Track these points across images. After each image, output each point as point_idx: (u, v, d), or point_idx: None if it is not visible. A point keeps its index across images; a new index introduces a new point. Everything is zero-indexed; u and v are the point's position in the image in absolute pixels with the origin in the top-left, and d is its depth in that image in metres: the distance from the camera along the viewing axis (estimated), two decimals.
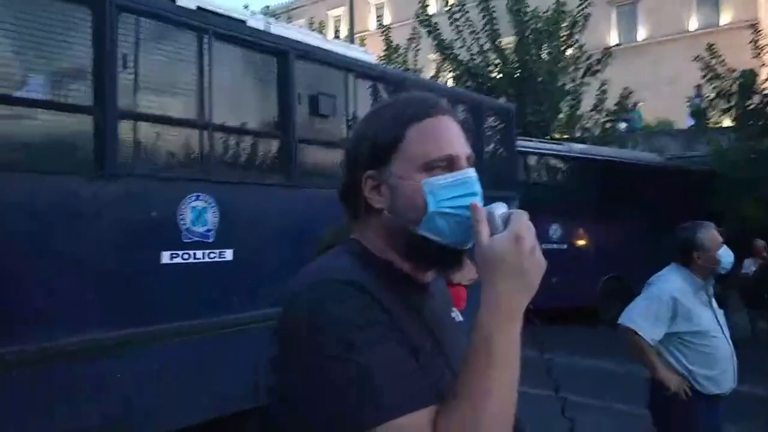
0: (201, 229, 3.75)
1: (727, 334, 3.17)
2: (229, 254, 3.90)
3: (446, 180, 1.05)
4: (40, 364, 3.08)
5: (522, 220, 0.98)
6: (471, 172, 1.08)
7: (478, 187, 1.07)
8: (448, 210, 1.04)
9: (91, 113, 3.44)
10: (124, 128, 3.61)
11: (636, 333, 3.08)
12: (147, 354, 3.50)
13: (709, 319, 3.12)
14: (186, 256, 3.67)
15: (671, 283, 3.17)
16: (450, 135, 1.10)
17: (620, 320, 3.17)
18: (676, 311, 3.07)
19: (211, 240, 3.81)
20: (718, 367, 3.05)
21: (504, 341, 0.93)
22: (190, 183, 3.80)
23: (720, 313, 3.23)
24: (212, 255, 3.81)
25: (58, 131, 3.48)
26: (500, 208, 1.01)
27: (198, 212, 3.75)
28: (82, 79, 3.44)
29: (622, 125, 15.16)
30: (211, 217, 3.82)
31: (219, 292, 3.89)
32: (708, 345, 3.05)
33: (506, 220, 0.99)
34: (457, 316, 1.25)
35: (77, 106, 3.45)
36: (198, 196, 3.77)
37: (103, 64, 3.42)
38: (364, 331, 0.93)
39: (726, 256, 3.17)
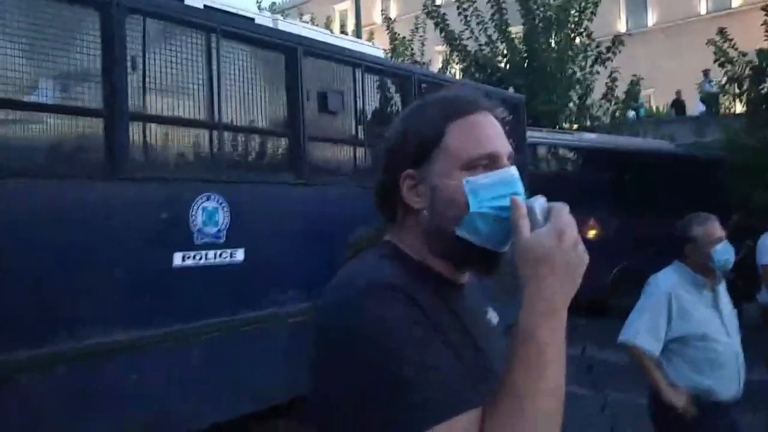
0: (212, 230, 3.76)
1: (735, 338, 2.96)
2: (240, 254, 3.90)
3: (488, 179, 1.03)
4: (54, 365, 3.10)
5: (563, 214, 0.96)
6: (513, 171, 1.05)
7: (520, 186, 1.04)
8: (488, 210, 1.02)
9: (101, 116, 3.45)
10: (135, 130, 3.62)
11: (637, 347, 2.93)
12: (162, 355, 3.52)
13: (710, 321, 2.92)
14: (198, 257, 3.68)
15: (666, 280, 3.01)
16: (492, 132, 1.08)
17: (621, 337, 3.01)
18: (671, 310, 2.90)
19: (222, 240, 3.81)
20: (720, 374, 2.87)
21: (548, 338, 0.91)
22: (201, 183, 3.80)
23: (729, 314, 3.00)
24: (224, 255, 3.81)
25: (68, 135, 3.49)
26: (540, 202, 0.99)
27: (209, 213, 3.75)
28: (91, 82, 3.44)
29: (631, 113, 15.02)
30: (222, 217, 3.82)
31: (230, 292, 3.89)
32: (709, 349, 2.87)
33: (546, 214, 0.97)
34: (493, 316, 1.23)
35: (87, 109, 3.45)
36: (209, 196, 3.77)
37: (113, 67, 3.42)
38: (411, 336, 0.92)
39: (722, 252, 2.92)
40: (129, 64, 3.53)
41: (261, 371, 3.97)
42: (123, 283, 3.37)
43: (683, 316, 2.91)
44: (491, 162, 1.05)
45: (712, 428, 2.85)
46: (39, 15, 3.24)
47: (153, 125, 3.78)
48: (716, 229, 2.97)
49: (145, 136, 3.76)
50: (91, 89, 3.44)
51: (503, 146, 1.08)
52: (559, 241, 0.93)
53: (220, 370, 3.76)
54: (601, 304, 9.12)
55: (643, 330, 2.94)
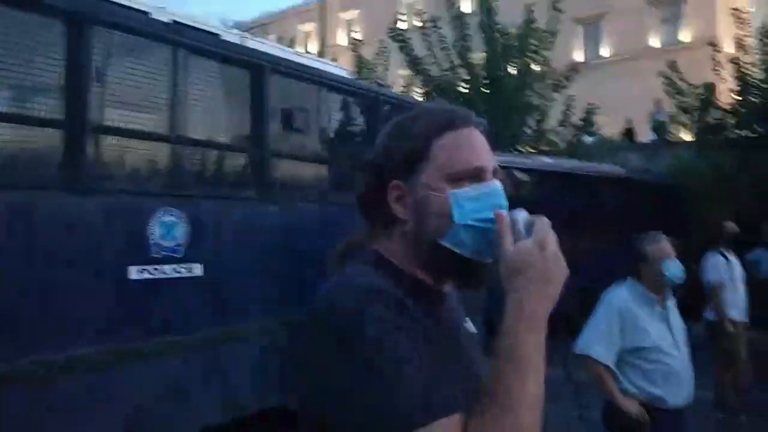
0: (171, 244, 3.72)
1: (685, 350, 3.11)
2: (198, 269, 3.86)
3: (473, 192, 1.06)
4: (11, 381, 3.00)
5: (545, 228, 1.00)
6: (497, 185, 1.08)
7: (504, 200, 1.07)
8: (472, 222, 1.04)
9: (62, 128, 3.40)
10: (96, 143, 3.57)
11: (592, 359, 3.04)
12: (118, 369, 3.45)
13: (661, 335, 3.05)
14: (155, 271, 3.63)
15: (618, 295, 3.15)
16: (478, 147, 1.10)
17: (576, 348, 3.13)
18: (624, 324, 3.02)
19: (180, 255, 3.77)
20: (671, 384, 2.99)
21: (529, 347, 0.95)
22: (161, 198, 3.77)
23: (679, 328, 3.15)
24: (181, 270, 3.77)
25: (28, 146, 3.43)
26: (522, 215, 1.03)
27: (168, 227, 3.71)
28: (54, 94, 3.39)
29: (590, 138, 15.43)
30: (183, 232, 3.78)
31: (188, 307, 3.84)
32: (659, 362, 2.99)
33: (529, 227, 1.00)
34: (470, 326, 1.25)
35: (49, 120, 3.40)
36: (168, 210, 3.73)
37: (76, 79, 3.39)
38: (400, 339, 0.94)
39: (672, 268, 3.07)
40: (93, 76, 3.50)
41: (220, 385, 3.93)
42: (79, 296, 3.30)
43: (635, 329, 3.05)
44: (477, 176, 1.07)
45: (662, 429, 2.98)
46: (2, 25, 3.20)
47: (116, 138, 3.73)
48: (666, 246, 3.13)
49: (107, 150, 3.72)
50: (53, 100, 3.40)
51: (488, 161, 1.10)
52: (541, 253, 0.97)
53: (178, 384, 3.70)
54: (552, 322, 9.25)
55: (597, 343, 3.07)
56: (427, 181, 1.07)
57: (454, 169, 1.07)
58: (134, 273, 3.51)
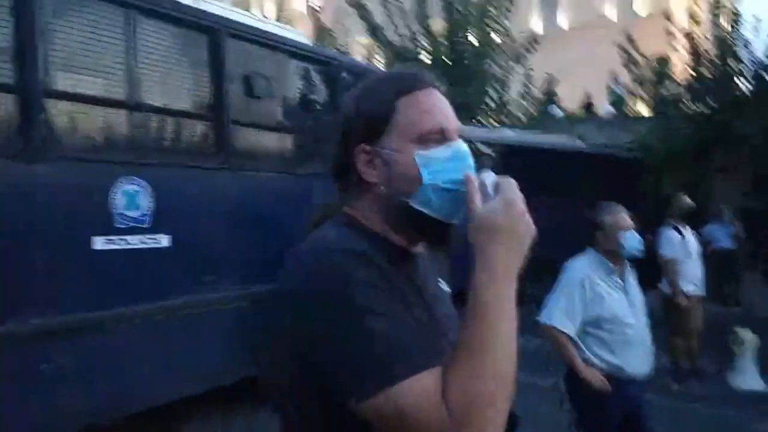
0: (135, 214, 3.62)
1: (643, 321, 3.18)
2: (165, 239, 3.78)
3: (439, 153, 1.08)
4: None
5: (512, 188, 1.02)
6: (463, 145, 1.11)
7: (470, 160, 1.10)
8: (440, 183, 1.06)
9: (12, 92, 3.25)
10: (48, 108, 3.42)
11: (555, 328, 3.09)
12: (84, 341, 3.37)
13: (620, 305, 3.11)
14: (120, 242, 3.53)
15: (579, 265, 3.20)
16: (441, 107, 1.12)
17: (539, 317, 3.18)
18: (585, 294, 3.08)
19: (146, 225, 3.68)
20: (630, 353, 3.06)
21: (500, 300, 0.97)
22: (122, 166, 3.65)
23: (638, 298, 3.21)
24: (148, 240, 3.68)
25: None
26: (490, 177, 1.06)
27: (130, 196, 3.61)
28: (1, 57, 3.22)
29: (558, 111, 15.63)
30: (145, 202, 3.69)
31: (155, 277, 3.77)
32: (618, 332, 3.05)
33: (496, 188, 1.03)
34: (443, 286, 1.29)
35: None
36: (131, 179, 3.63)
37: (24, 41, 3.22)
38: (373, 295, 0.96)
39: (630, 239, 3.12)
40: (41, 38, 3.33)
41: (189, 357, 3.88)
42: (41, 268, 3.19)
43: (596, 299, 3.11)
44: (442, 136, 1.09)
45: (621, 401, 3.06)
46: None
47: (68, 104, 3.58)
48: (624, 218, 3.18)
49: (59, 115, 3.56)
50: (2, 63, 3.23)
51: (453, 121, 1.12)
52: (508, 211, 1.00)
53: (147, 355, 3.65)
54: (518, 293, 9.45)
55: (559, 312, 3.12)
56: (393, 144, 1.09)
57: (420, 131, 1.09)
58: (99, 243, 3.42)
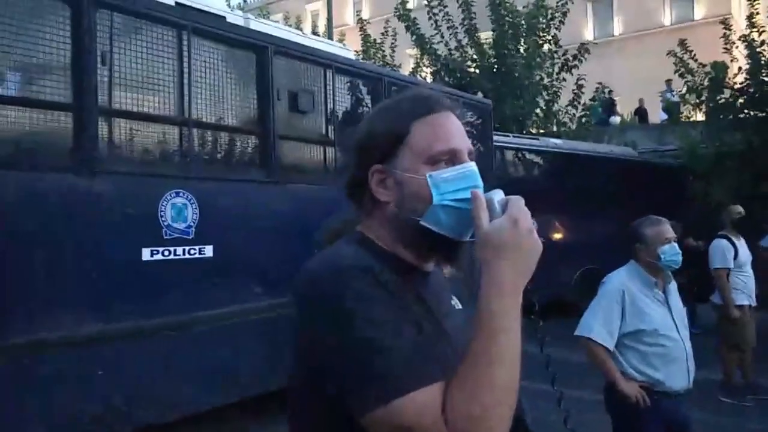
0: (181, 226, 3.78)
1: (685, 334, 3.11)
2: (209, 250, 3.92)
3: (449, 173, 1.11)
4: (22, 357, 3.09)
5: (519, 205, 1.05)
6: (472, 166, 1.14)
7: (479, 180, 1.12)
8: (450, 203, 1.10)
9: (70, 110, 3.45)
10: (104, 125, 3.62)
11: (592, 341, 3.05)
12: (129, 348, 3.53)
13: (661, 318, 3.05)
14: (167, 253, 3.69)
15: (618, 278, 3.16)
16: (452, 130, 1.16)
17: (577, 332, 3.14)
18: (624, 307, 3.04)
19: (191, 236, 3.83)
20: (670, 368, 3.01)
21: (505, 315, 0.99)
22: (170, 179, 3.82)
23: (679, 311, 3.15)
24: (192, 251, 3.83)
25: (38, 128, 3.47)
26: (498, 195, 1.08)
27: (178, 209, 3.77)
28: (61, 76, 3.44)
29: (614, 119, 15.37)
30: (191, 214, 3.84)
31: (199, 287, 3.91)
32: (659, 345, 3.00)
33: (504, 206, 1.06)
34: (456, 303, 1.31)
35: (57, 103, 3.44)
36: (178, 192, 3.79)
37: (83, 61, 3.43)
38: (376, 310, 0.99)
39: (669, 252, 3.06)
40: (99, 58, 3.53)
41: (229, 365, 4.01)
42: (91, 277, 3.37)
43: (635, 312, 3.06)
44: (452, 157, 1.13)
45: (662, 416, 3.00)
46: (8, 8, 3.23)
47: (123, 120, 3.78)
48: (664, 230, 3.12)
49: (114, 132, 3.76)
50: (61, 83, 3.44)
51: (464, 143, 1.16)
52: (514, 228, 1.02)
53: (188, 363, 3.78)
54: (565, 305, 9.32)
55: (598, 325, 3.08)
56: (406, 165, 1.13)
57: (431, 152, 1.12)
58: (146, 254, 3.58)
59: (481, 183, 1.12)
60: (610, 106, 17.81)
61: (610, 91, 16.89)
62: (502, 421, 0.96)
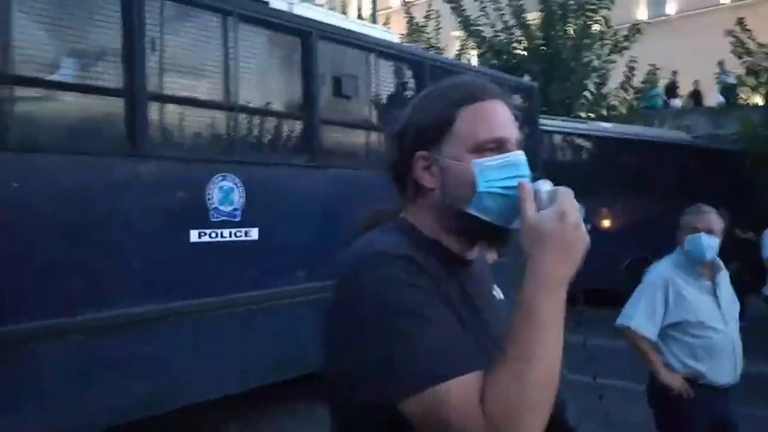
0: (228, 209, 3.85)
1: (733, 326, 3.00)
2: (254, 233, 4.00)
3: (495, 161, 1.10)
4: (80, 335, 3.22)
5: (567, 197, 1.02)
6: (520, 155, 1.12)
7: (526, 169, 1.11)
8: (496, 190, 1.09)
9: (121, 95, 3.54)
10: (153, 110, 3.71)
11: (634, 331, 2.98)
12: (179, 327, 3.64)
13: (707, 309, 2.96)
14: (213, 235, 3.78)
15: (662, 267, 3.08)
16: (500, 118, 1.14)
17: (617, 321, 3.06)
18: (668, 297, 2.96)
19: (237, 219, 3.91)
20: (716, 361, 2.91)
21: (548, 308, 0.97)
22: (217, 164, 3.89)
23: (729, 302, 3.04)
24: (239, 234, 3.91)
25: (90, 113, 3.60)
26: (546, 186, 1.06)
27: (225, 192, 3.84)
28: (112, 63, 3.53)
29: (677, 102, 14.95)
30: (237, 197, 3.91)
31: (245, 269, 3.99)
32: (704, 336, 2.91)
33: (552, 197, 1.04)
34: (498, 294, 1.30)
35: (108, 89, 3.55)
36: (224, 176, 3.86)
37: (132, 48, 3.51)
38: (415, 297, 0.99)
39: (693, 242, 2.94)
40: (148, 45, 3.61)
41: (272, 346, 4.09)
42: (141, 258, 3.48)
43: (680, 302, 2.96)
44: (499, 146, 1.11)
45: (707, 411, 2.91)
46: None
47: (171, 106, 3.87)
48: (702, 219, 2.98)
49: (163, 117, 3.85)
50: (112, 69, 3.54)
51: (511, 131, 1.14)
52: (561, 221, 1.00)
53: (233, 343, 3.88)
54: (615, 293, 9.15)
55: (639, 315, 3.00)
56: (451, 152, 1.11)
57: (477, 140, 1.10)
58: (194, 236, 3.67)
59: (528, 172, 1.11)
60: (672, 89, 17.31)
61: (675, 73, 16.47)
62: (539, 416, 0.94)
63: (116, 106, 3.56)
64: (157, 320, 3.53)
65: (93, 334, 3.27)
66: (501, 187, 1.08)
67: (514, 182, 1.07)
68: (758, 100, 12.97)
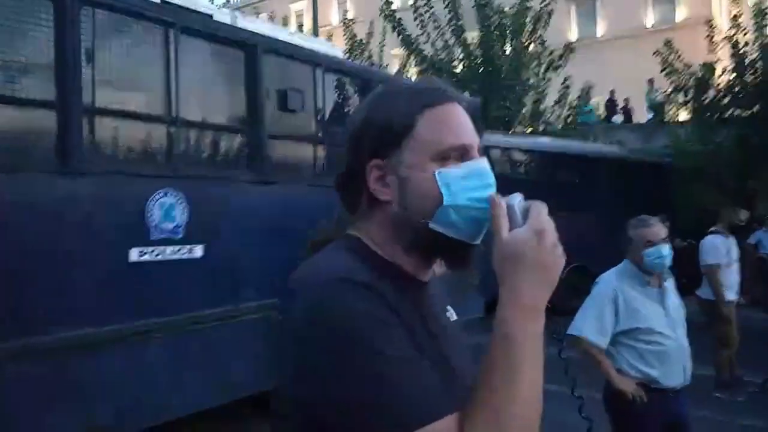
0: (170, 226, 3.70)
1: (681, 331, 3.10)
2: (199, 250, 3.85)
3: (461, 170, 0.99)
4: (9, 363, 3.00)
5: (542, 214, 0.94)
6: (485, 162, 1.03)
7: (492, 178, 1.02)
8: (463, 203, 0.98)
9: (54, 108, 3.36)
10: (89, 124, 3.54)
11: (585, 340, 3.03)
12: (118, 351, 3.45)
13: (656, 316, 3.04)
14: (155, 254, 3.61)
15: (610, 278, 3.15)
16: (463, 123, 1.04)
17: (569, 331, 3.09)
18: (617, 306, 3.02)
19: (180, 236, 3.76)
20: (666, 365, 2.99)
21: (526, 339, 0.90)
22: (158, 179, 3.74)
23: (676, 309, 3.13)
24: (182, 251, 3.76)
25: (20, 127, 3.38)
26: (518, 200, 0.97)
27: (166, 209, 3.69)
28: (44, 74, 3.35)
29: (618, 118, 15.61)
30: (180, 213, 3.76)
31: (189, 288, 3.84)
32: (654, 342, 2.99)
33: (525, 213, 0.95)
34: (451, 314, 1.19)
35: (40, 102, 3.36)
36: (166, 192, 3.71)
37: (66, 59, 3.34)
38: (388, 333, 0.89)
39: (652, 255, 3.02)
40: (84, 56, 3.45)
41: (220, 367, 3.94)
42: (76, 280, 3.29)
43: (630, 311, 3.05)
44: (463, 153, 1.01)
45: (660, 413, 2.99)
46: None
47: (108, 119, 3.70)
48: (652, 232, 3.08)
49: (100, 131, 3.68)
50: (44, 81, 3.35)
51: (474, 138, 1.04)
52: (538, 241, 0.92)
53: (178, 365, 3.71)
54: (552, 304, 9.32)
55: (589, 324, 3.08)
56: (410, 160, 1.00)
57: (442, 147, 1.00)
58: (134, 255, 3.50)
59: (494, 181, 1.02)
60: (611, 106, 18.05)
61: (612, 92, 17.21)
62: None
63: (48, 119, 3.37)
64: (94, 345, 3.34)
65: (22, 358, 3.05)
66: (468, 199, 0.98)
67: (482, 193, 0.98)
68: (683, 116, 13.66)
